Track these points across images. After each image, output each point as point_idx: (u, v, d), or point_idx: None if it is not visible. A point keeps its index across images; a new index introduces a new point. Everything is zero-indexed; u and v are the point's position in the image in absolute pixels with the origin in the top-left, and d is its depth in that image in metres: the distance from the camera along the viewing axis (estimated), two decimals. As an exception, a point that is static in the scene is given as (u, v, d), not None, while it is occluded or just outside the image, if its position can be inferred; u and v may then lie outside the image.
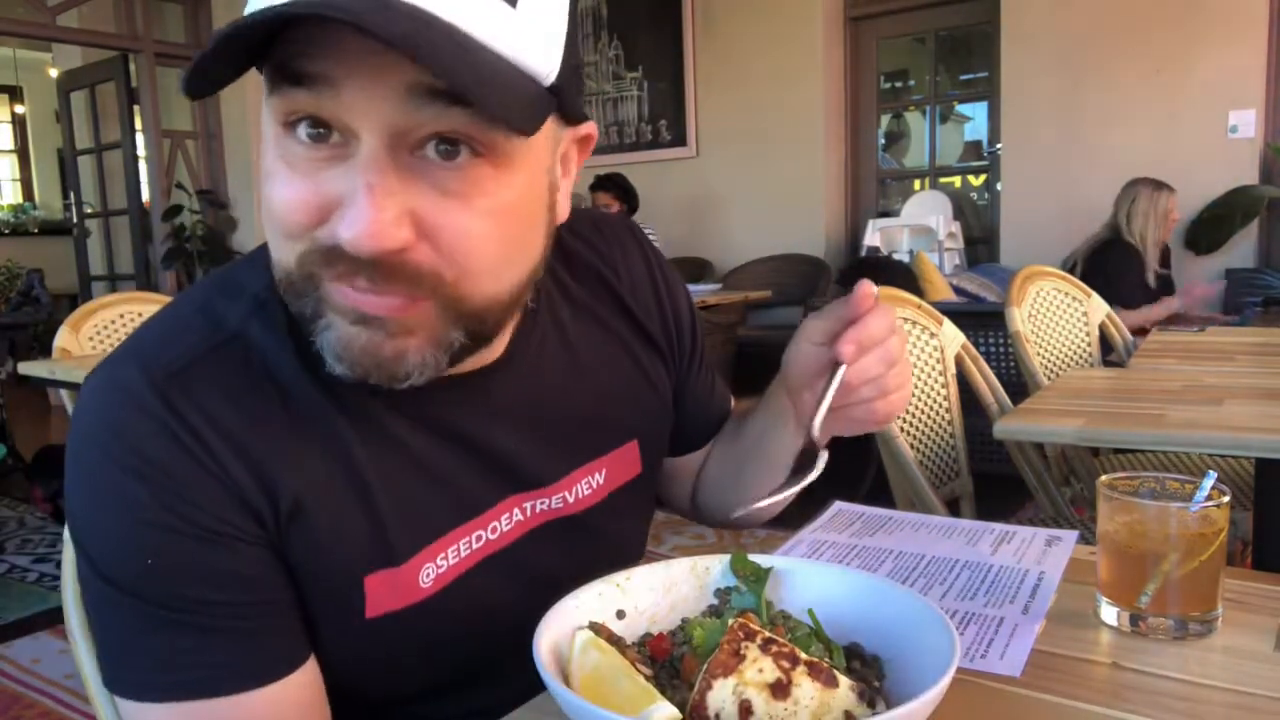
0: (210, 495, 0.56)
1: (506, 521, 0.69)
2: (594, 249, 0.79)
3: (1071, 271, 3.48)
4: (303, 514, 0.59)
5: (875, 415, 0.70)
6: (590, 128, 0.64)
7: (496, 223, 0.54)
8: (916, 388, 1.72)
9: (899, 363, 0.68)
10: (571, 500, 0.73)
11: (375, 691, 0.68)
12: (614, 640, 0.58)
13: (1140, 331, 2.64)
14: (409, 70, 0.48)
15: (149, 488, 0.55)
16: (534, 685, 0.57)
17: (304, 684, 0.61)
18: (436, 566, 0.65)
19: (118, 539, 0.56)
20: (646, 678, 0.54)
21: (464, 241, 0.53)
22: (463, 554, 0.66)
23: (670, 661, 0.57)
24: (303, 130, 0.51)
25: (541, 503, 0.71)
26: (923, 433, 1.71)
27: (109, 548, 0.57)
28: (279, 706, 0.59)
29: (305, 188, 0.52)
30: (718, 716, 0.50)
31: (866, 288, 0.65)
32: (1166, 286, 3.75)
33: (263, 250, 0.61)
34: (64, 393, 2.29)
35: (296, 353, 0.60)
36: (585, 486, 0.74)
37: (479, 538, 0.67)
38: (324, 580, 0.61)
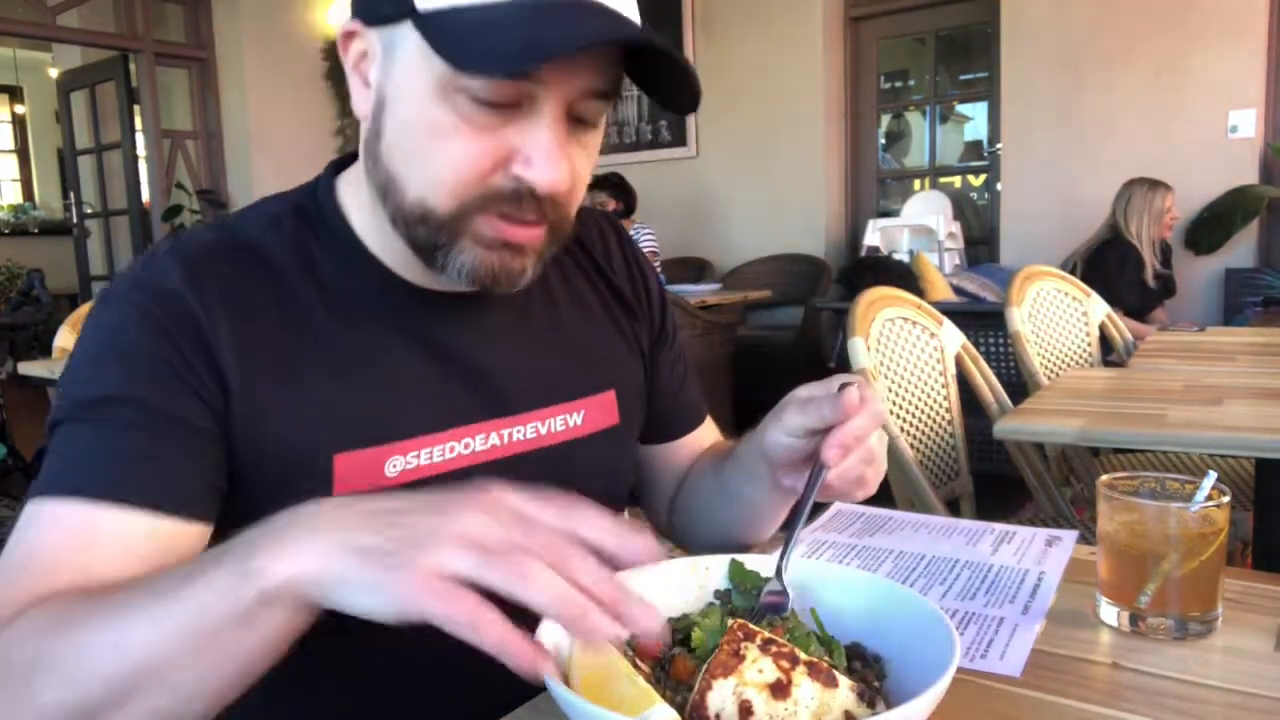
0: (188, 338, 0.64)
1: (481, 442, 0.74)
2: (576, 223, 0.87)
3: (1072, 273, 3.48)
4: (283, 388, 0.66)
5: (850, 499, 0.73)
6: None
7: (591, 161, 0.69)
8: (917, 387, 1.72)
9: (877, 457, 0.70)
10: (545, 433, 0.77)
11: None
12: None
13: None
14: (600, 71, 0.63)
15: (135, 315, 0.64)
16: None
17: (165, 543, 0.62)
18: (406, 461, 0.70)
19: (90, 353, 0.64)
20: (646, 676, 0.54)
21: (582, 181, 0.68)
22: (434, 459, 0.71)
23: (660, 662, 0.57)
24: (482, 97, 0.61)
25: (518, 431, 0.76)
26: (923, 433, 1.71)
27: (79, 361, 0.64)
28: (156, 540, 0.61)
29: (488, 142, 0.62)
30: (718, 717, 0.50)
31: (852, 394, 0.67)
32: (1168, 286, 3.75)
33: (288, 191, 0.75)
34: (64, 393, 2.28)
35: (298, 262, 0.70)
36: (561, 423, 0.79)
37: (451, 449, 0.72)
38: (296, 456, 0.66)
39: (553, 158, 0.62)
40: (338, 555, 0.47)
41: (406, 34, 0.62)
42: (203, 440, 0.64)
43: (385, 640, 0.73)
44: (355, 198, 0.72)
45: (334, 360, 0.68)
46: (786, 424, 0.71)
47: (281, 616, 0.48)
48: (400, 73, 0.63)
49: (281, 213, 0.72)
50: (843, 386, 0.67)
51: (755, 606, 0.63)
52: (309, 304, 0.69)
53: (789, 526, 0.68)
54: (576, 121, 0.65)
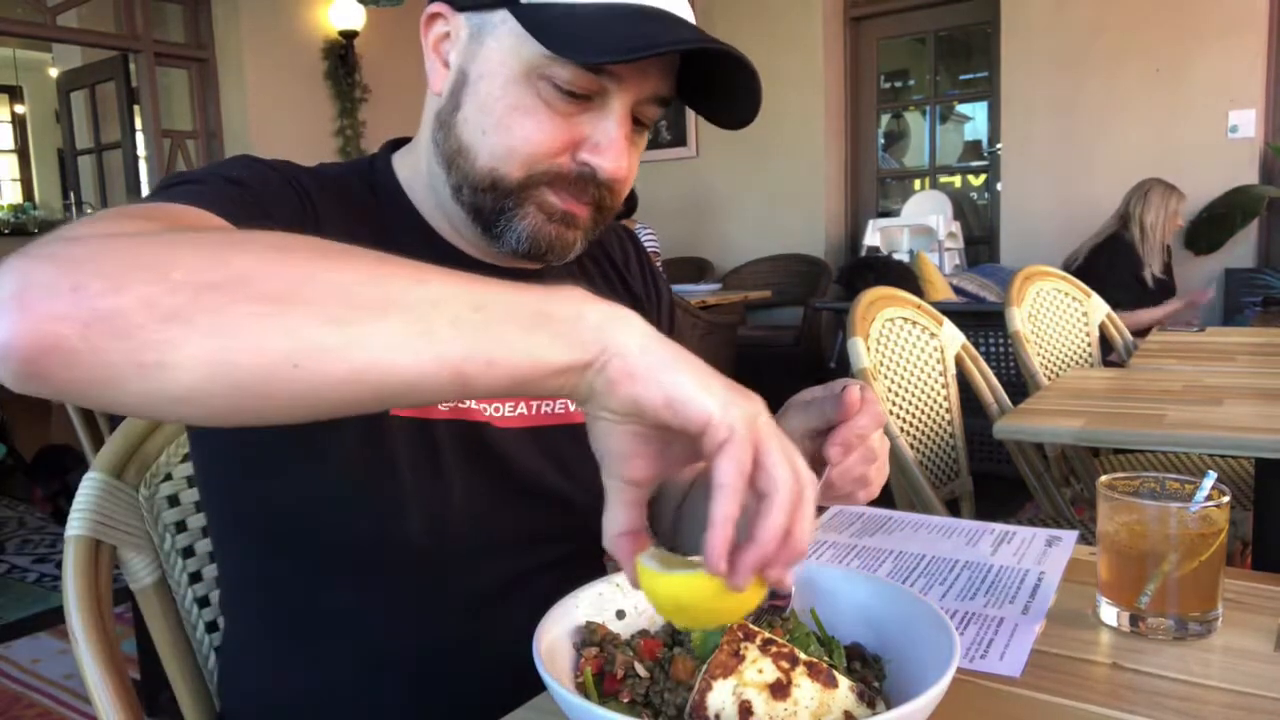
0: (311, 216, 0.69)
1: (510, 409, 0.78)
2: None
3: (1073, 268, 3.47)
4: None
5: (854, 501, 0.73)
6: None
7: (638, 158, 0.75)
8: (917, 387, 1.72)
9: (880, 457, 0.70)
10: (573, 409, 0.81)
11: (379, 532, 0.72)
12: (611, 639, 0.58)
13: (1141, 332, 2.63)
14: (665, 80, 0.70)
15: (280, 175, 0.70)
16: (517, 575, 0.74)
17: None
18: (447, 407, 0.74)
19: (225, 162, 0.69)
20: (645, 678, 0.54)
21: (631, 176, 0.73)
22: (474, 406, 0.75)
23: (660, 662, 0.57)
24: (564, 86, 0.67)
25: (545, 404, 0.80)
26: (923, 433, 1.71)
27: (207, 167, 0.68)
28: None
29: (563, 127, 0.69)
30: (718, 717, 0.50)
31: (853, 393, 0.67)
32: (1165, 290, 3.74)
33: (340, 163, 0.82)
34: (64, 393, 2.27)
35: (367, 216, 0.75)
36: None
37: (483, 410, 0.76)
38: None
39: (619, 147, 0.69)
40: (668, 349, 0.44)
41: (500, 21, 0.68)
42: None
43: (403, 625, 0.74)
44: (412, 172, 0.78)
45: None
46: (789, 426, 0.71)
47: (543, 353, 0.43)
48: (488, 55, 0.69)
49: (346, 173, 0.78)
50: (845, 388, 0.68)
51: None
52: (380, 237, 0.73)
53: None
54: (638, 124, 0.72)
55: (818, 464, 0.68)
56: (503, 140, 0.69)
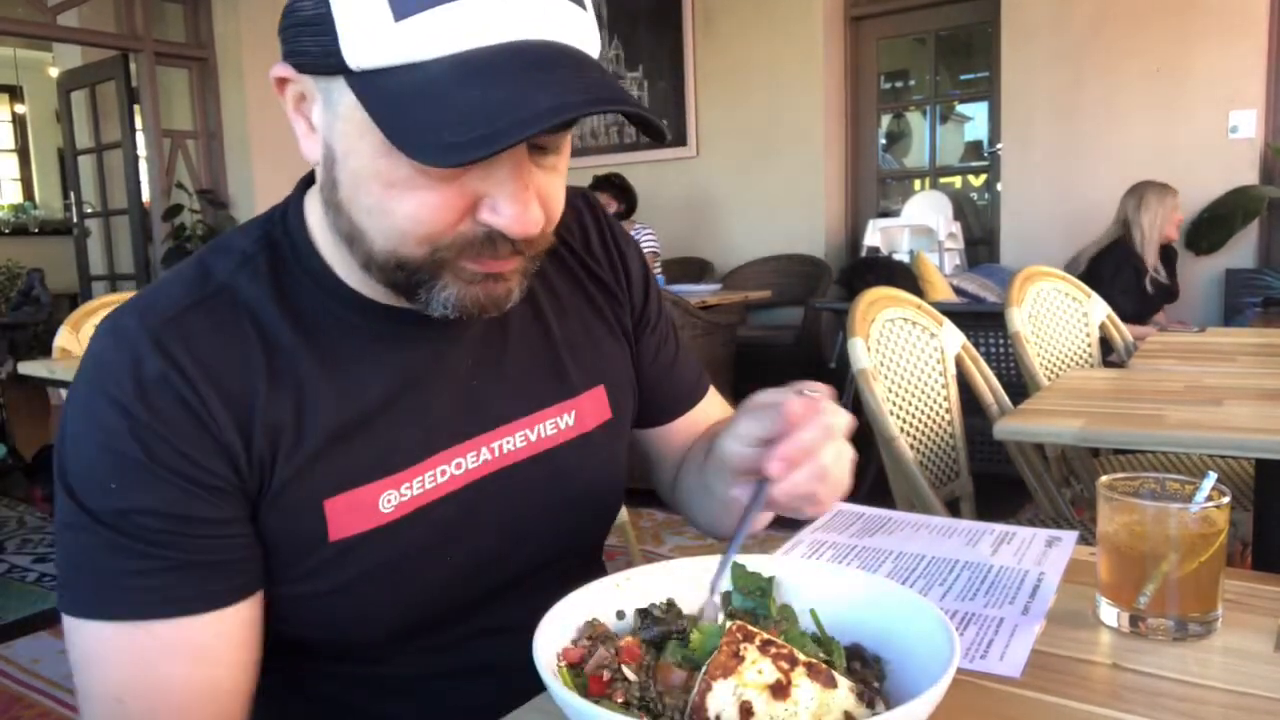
0: (185, 433, 0.61)
1: (473, 459, 0.72)
2: None
3: (1075, 273, 3.47)
4: (272, 448, 0.64)
5: (801, 516, 0.68)
6: None
7: (562, 179, 0.65)
8: (917, 388, 1.72)
9: (831, 474, 0.64)
10: (535, 439, 0.76)
11: (346, 636, 0.70)
12: (609, 639, 0.58)
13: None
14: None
15: (125, 418, 0.60)
16: (500, 630, 0.71)
17: (244, 619, 0.64)
18: (400, 494, 0.68)
19: (89, 460, 0.61)
20: (634, 681, 0.54)
21: (556, 203, 0.64)
22: (427, 486, 0.70)
23: (644, 667, 0.56)
24: None
25: (508, 442, 0.74)
26: (923, 433, 1.71)
27: (81, 468, 0.61)
28: (215, 635, 0.62)
29: (450, 193, 0.59)
30: (718, 718, 0.50)
31: (793, 406, 0.62)
32: (1167, 294, 3.73)
33: (258, 220, 0.72)
34: (64, 393, 2.28)
35: (276, 301, 0.67)
36: (551, 426, 0.77)
37: (443, 472, 0.70)
38: (287, 511, 0.65)
39: (520, 201, 0.59)
40: None
41: (343, 87, 0.58)
42: (234, 526, 0.63)
43: (409, 659, 0.73)
44: (322, 221, 0.67)
45: (322, 405, 0.66)
46: (738, 430, 0.67)
47: None
48: (345, 128, 0.59)
49: (251, 249, 0.68)
50: (790, 398, 0.63)
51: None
52: (291, 347, 0.66)
53: (731, 541, 0.64)
54: (539, 149, 0.61)
55: (761, 477, 0.63)
56: (390, 223, 0.60)
